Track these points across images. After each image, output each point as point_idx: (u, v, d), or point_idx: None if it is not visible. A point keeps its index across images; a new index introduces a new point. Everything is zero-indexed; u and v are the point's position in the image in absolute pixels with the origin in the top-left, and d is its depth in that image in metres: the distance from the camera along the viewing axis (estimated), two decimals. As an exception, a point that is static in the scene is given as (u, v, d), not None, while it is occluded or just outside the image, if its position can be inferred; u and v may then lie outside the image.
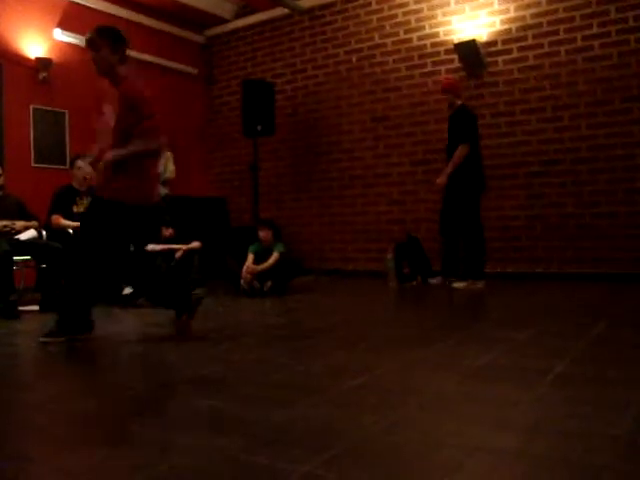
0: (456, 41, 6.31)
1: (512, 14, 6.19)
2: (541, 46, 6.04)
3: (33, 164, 6.27)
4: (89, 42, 3.19)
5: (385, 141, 6.98)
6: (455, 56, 6.43)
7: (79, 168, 5.08)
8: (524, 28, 6.12)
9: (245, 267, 5.34)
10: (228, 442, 1.54)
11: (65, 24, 6.53)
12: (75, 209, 5.02)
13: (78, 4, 6.70)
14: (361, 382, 2.14)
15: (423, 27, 6.71)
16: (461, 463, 1.37)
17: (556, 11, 5.96)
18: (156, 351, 3.01)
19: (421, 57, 6.72)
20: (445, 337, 2.96)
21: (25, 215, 4.83)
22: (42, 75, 6.30)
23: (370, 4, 7.06)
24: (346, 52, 7.26)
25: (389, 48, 6.94)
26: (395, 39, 6.89)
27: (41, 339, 3.11)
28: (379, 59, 7.01)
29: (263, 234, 5.48)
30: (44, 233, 4.90)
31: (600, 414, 1.69)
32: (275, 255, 5.37)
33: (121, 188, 3.09)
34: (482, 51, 6.21)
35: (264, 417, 1.74)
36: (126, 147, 3.06)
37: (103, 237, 3.09)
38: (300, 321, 3.96)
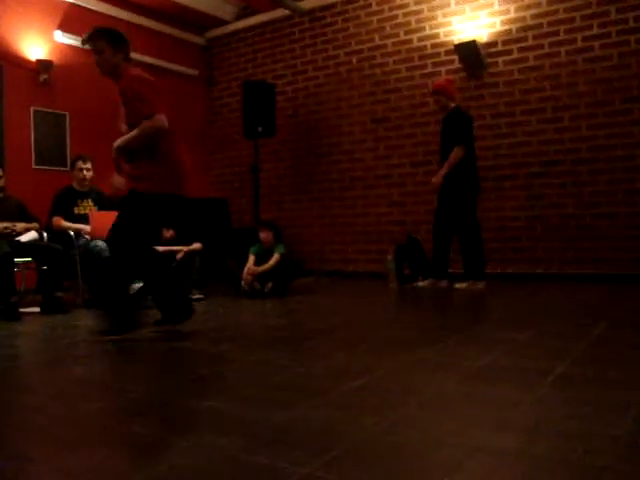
0: (456, 42, 6.31)
1: (512, 15, 6.19)
2: (541, 47, 6.04)
3: (34, 166, 6.27)
4: (91, 46, 3.24)
5: (385, 142, 6.99)
6: (455, 57, 6.43)
7: (80, 169, 5.09)
8: (524, 29, 6.13)
9: (246, 268, 5.35)
10: (228, 442, 1.54)
11: (66, 26, 6.53)
12: (76, 210, 5.03)
13: (79, 6, 6.70)
14: (362, 383, 2.14)
15: (423, 28, 6.72)
16: (461, 463, 1.37)
17: (556, 12, 5.96)
18: (156, 351, 3.02)
19: (421, 58, 6.73)
20: (445, 338, 2.96)
21: (26, 217, 4.83)
22: (43, 77, 6.31)
23: (370, 5, 7.07)
24: (346, 53, 7.27)
25: (389, 49, 6.94)
26: (395, 40, 6.89)
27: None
28: (379, 60, 7.01)
29: (264, 235, 5.48)
30: (45, 235, 4.91)
31: (600, 415, 1.69)
32: (276, 256, 5.37)
33: (143, 175, 3.16)
34: (482, 52, 6.21)
35: (264, 418, 1.74)
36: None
37: (136, 231, 3.20)
38: (301, 322, 3.95)
